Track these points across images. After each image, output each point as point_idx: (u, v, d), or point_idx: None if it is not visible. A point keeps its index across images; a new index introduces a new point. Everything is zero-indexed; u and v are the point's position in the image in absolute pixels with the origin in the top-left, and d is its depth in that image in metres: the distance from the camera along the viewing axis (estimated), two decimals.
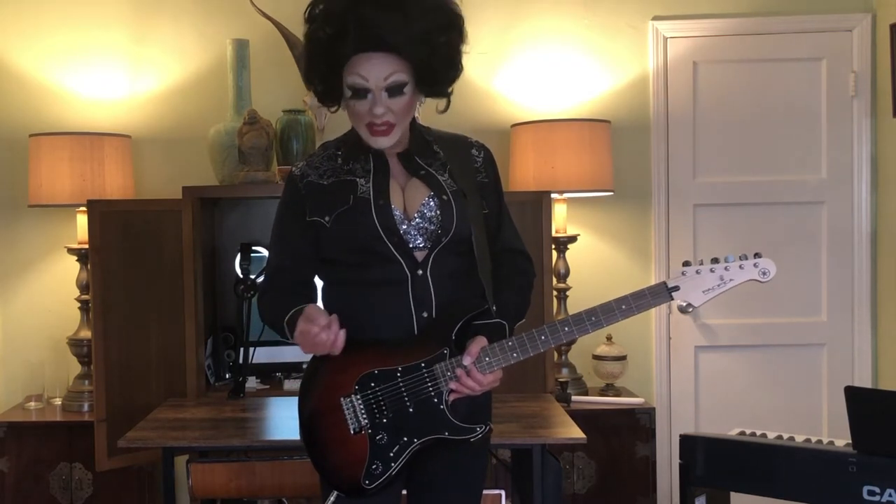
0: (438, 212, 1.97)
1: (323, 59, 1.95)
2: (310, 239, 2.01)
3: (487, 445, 2.12)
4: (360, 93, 1.93)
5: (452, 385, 1.91)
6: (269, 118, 3.47)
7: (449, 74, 2.01)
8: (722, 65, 3.85)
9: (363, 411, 1.94)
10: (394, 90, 1.94)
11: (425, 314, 1.95)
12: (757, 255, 1.92)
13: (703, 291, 1.92)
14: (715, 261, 1.93)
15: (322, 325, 1.87)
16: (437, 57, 1.95)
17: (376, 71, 1.92)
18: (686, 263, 1.94)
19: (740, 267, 1.92)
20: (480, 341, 1.92)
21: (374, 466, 1.93)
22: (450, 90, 2.05)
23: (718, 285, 1.92)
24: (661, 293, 1.92)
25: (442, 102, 2.07)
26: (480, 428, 1.95)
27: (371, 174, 1.99)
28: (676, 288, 1.92)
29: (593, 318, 1.91)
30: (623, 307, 1.92)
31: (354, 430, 1.94)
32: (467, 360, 1.90)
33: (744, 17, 3.83)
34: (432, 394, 1.93)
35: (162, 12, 3.81)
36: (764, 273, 1.91)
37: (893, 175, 3.71)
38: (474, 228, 1.99)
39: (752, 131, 3.85)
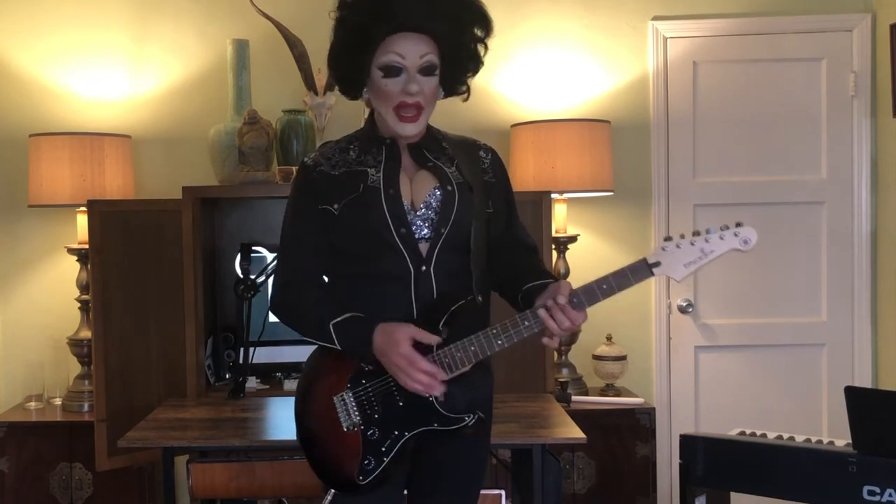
0: (441, 202, 1.98)
1: (355, 41, 1.95)
2: (322, 231, 2.00)
3: (487, 438, 2.12)
4: (394, 71, 1.94)
5: (550, 337, 1.89)
6: (269, 118, 3.46)
7: (471, 65, 2.04)
8: (722, 65, 3.85)
9: (355, 408, 1.96)
10: (427, 70, 1.96)
11: None
12: (738, 225, 1.90)
13: (685, 265, 1.90)
14: (696, 234, 1.91)
15: (429, 371, 1.87)
16: (464, 46, 1.99)
17: (414, 49, 1.94)
18: (667, 239, 1.93)
19: (721, 238, 1.89)
20: (567, 285, 1.90)
21: (366, 462, 1.94)
22: (467, 85, 2.07)
23: (700, 258, 1.90)
24: (642, 269, 1.91)
25: (457, 96, 2.09)
26: (469, 417, 1.94)
27: (382, 164, 2.00)
28: (657, 263, 1.91)
29: (574, 301, 1.89)
30: (604, 287, 1.91)
31: (348, 427, 1.96)
32: (562, 299, 1.87)
33: (744, 17, 3.83)
34: None
35: (162, 12, 3.81)
36: (745, 242, 1.89)
37: (893, 175, 3.71)
38: (475, 222, 1.99)
39: (752, 131, 3.84)
